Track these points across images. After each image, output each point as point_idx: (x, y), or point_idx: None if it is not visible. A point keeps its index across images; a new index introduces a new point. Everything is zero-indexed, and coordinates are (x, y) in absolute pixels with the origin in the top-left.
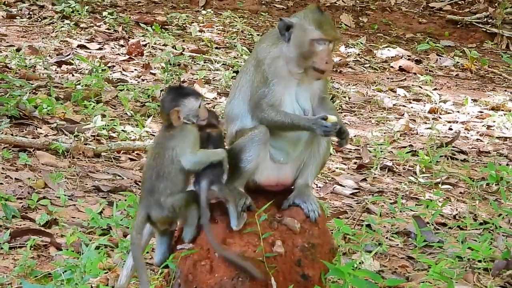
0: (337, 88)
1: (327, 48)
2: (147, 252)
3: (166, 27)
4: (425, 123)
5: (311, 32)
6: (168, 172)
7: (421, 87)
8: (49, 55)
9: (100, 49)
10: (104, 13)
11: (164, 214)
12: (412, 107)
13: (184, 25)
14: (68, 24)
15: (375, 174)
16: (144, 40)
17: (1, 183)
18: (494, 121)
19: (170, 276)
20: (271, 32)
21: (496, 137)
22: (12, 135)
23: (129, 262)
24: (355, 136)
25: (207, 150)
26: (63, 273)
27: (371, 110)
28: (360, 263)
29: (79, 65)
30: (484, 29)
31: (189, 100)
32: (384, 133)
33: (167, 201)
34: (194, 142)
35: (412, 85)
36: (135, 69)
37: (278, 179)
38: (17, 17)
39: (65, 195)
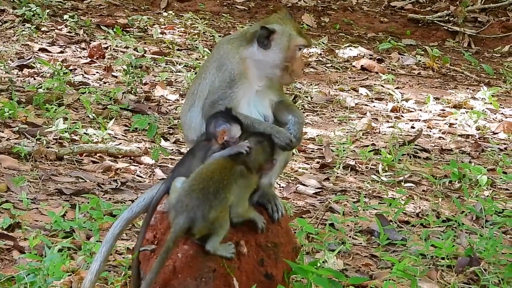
0: (299, 88)
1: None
2: (116, 252)
3: (128, 29)
4: (388, 121)
5: (296, 39)
6: (214, 202)
7: (383, 86)
8: (10, 59)
9: (61, 52)
10: (65, 16)
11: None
12: (374, 106)
13: (146, 27)
14: (29, 27)
15: (338, 173)
16: (106, 43)
17: None
18: (456, 119)
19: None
20: (233, 35)
21: (458, 135)
22: None
23: (94, 266)
24: (317, 135)
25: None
26: (26, 276)
27: (334, 109)
28: (323, 262)
29: (40, 69)
30: (446, 28)
31: None
32: (347, 132)
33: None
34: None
35: (374, 84)
36: (97, 72)
37: None
38: None
39: (27, 198)
